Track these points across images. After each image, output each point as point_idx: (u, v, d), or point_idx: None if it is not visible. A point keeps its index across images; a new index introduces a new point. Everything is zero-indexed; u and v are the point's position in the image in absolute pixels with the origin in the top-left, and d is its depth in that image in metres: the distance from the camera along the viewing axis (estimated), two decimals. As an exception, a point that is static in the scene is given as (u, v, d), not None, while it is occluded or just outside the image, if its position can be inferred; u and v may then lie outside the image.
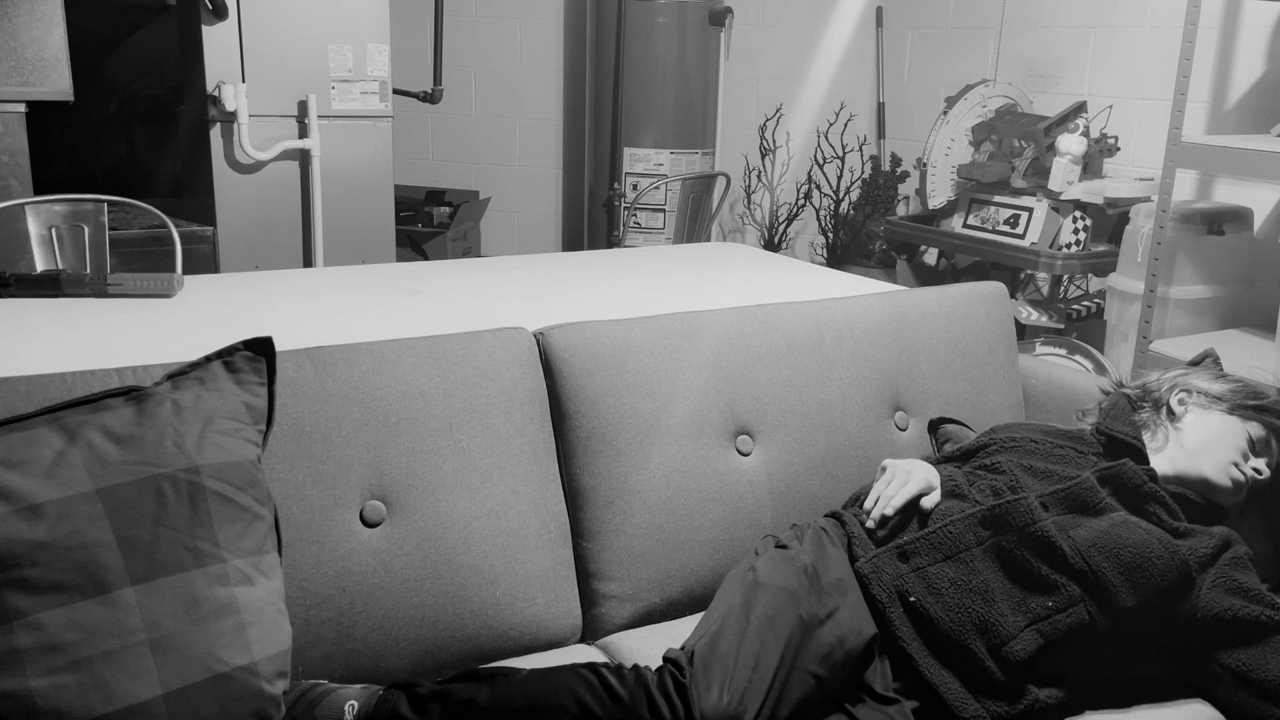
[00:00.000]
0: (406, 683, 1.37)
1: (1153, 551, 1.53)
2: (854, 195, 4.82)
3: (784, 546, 1.59)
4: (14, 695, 1.12)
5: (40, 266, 2.61)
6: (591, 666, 1.35)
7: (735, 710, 1.30)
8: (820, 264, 3.69)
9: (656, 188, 4.53)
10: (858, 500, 1.74)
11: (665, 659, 1.39)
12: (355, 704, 1.33)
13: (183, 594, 1.19)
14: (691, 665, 1.35)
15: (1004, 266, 3.68)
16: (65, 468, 1.20)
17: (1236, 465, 1.70)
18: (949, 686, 1.46)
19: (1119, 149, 3.58)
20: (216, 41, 3.22)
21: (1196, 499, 1.70)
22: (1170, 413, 1.79)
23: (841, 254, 4.76)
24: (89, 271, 2.53)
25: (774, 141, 4.95)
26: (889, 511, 1.60)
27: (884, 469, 1.69)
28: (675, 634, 1.57)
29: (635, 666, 1.36)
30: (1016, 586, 1.52)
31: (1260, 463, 1.72)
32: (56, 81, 2.87)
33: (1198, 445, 1.72)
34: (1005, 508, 1.56)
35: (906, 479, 1.64)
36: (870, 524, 1.61)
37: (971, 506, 1.59)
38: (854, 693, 1.46)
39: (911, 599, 1.51)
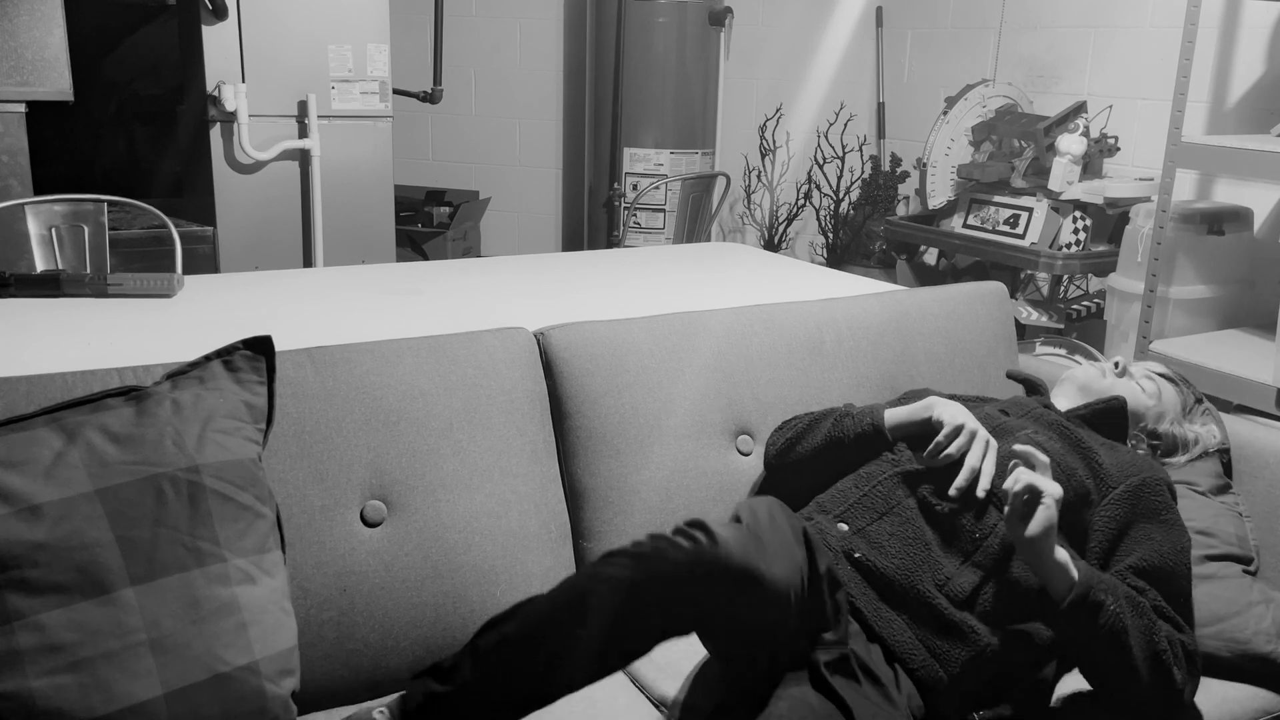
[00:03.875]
0: (424, 670, 1.33)
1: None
2: (854, 195, 4.82)
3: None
4: (14, 696, 1.12)
5: (40, 266, 2.61)
6: (605, 554, 1.32)
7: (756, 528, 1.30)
8: (820, 264, 3.68)
9: (656, 188, 4.53)
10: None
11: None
12: (386, 710, 1.29)
13: (183, 594, 1.20)
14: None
15: (1004, 266, 3.69)
16: (65, 468, 1.20)
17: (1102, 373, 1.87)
18: (896, 638, 1.47)
19: (1119, 149, 3.58)
20: (216, 41, 3.22)
21: (1097, 410, 1.79)
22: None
23: (841, 254, 4.76)
24: (89, 271, 2.53)
25: (774, 141, 4.95)
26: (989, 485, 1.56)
27: (948, 425, 1.60)
28: (675, 634, 1.57)
29: (650, 534, 1.31)
30: (942, 530, 1.55)
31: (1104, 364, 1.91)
32: (56, 81, 2.87)
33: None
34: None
35: (985, 443, 1.59)
36: (979, 491, 1.56)
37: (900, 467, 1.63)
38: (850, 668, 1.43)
39: (856, 555, 1.53)
